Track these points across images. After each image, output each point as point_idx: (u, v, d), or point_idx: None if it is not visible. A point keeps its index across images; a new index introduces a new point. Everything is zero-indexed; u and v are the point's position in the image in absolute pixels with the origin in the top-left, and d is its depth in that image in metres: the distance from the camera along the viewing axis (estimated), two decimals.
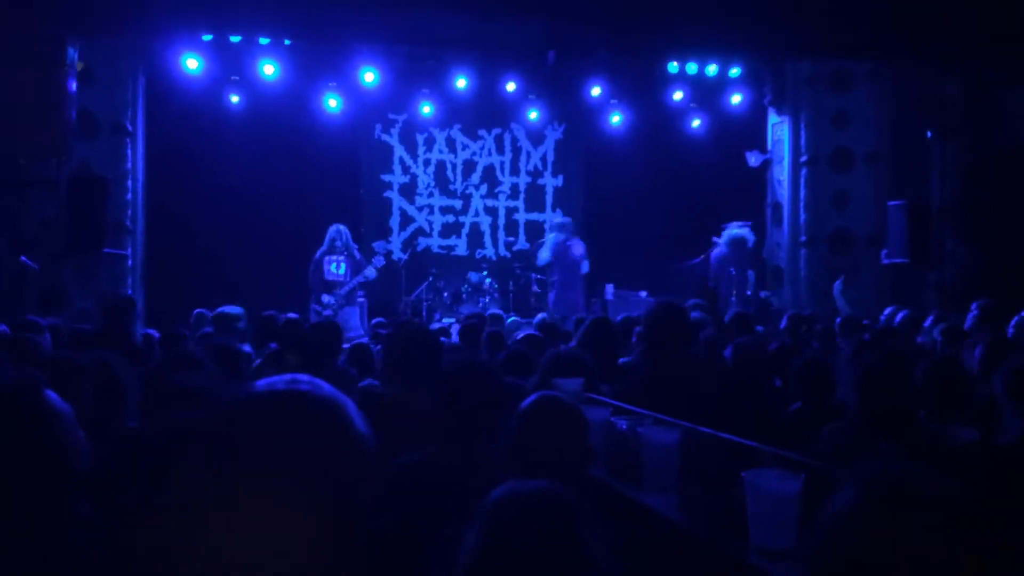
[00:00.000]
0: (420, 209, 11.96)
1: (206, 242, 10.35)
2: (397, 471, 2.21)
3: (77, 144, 8.74)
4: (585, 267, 10.01)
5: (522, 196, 12.17)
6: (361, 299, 9.47)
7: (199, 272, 9.95)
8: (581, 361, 3.27)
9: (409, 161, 11.92)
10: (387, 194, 11.89)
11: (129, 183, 9.44)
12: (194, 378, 3.10)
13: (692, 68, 10.08)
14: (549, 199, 12.23)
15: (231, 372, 3.86)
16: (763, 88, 10.62)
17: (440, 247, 11.94)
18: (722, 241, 9.63)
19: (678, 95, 10.61)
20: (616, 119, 11.18)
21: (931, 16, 8.29)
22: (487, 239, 12.07)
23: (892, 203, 9.53)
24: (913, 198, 9.42)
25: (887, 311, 6.99)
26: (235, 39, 9.36)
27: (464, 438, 2.43)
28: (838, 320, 6.34)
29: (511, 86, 10.39)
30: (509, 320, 7.91)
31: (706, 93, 10.66)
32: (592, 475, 2.38)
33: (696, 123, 11.25)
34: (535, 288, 10.69)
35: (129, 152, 9.45)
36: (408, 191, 11.94)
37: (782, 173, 10.54)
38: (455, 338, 6.37)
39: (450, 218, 12.02)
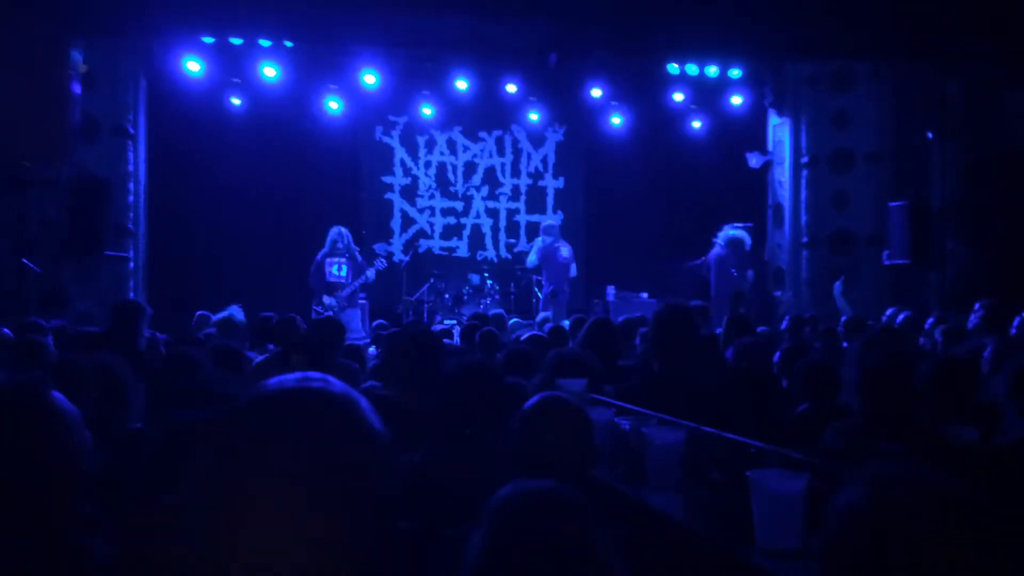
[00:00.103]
0: (421, 211, 11.96)
1: (208, 244, 10.36)
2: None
3: (78, 146, 8.76)
4: (573, 270, 10.03)
5: (523, 198, 12.17)
6: (362, 301, 9.48)
7: (201, 274, 9.96)
8: (584, 362, 3.27)
9: (410, 163, 11.92)
10: (388, 196, 11.90)
11: (131, 185, 9.46)
12: (195, 379, 3.11)
13: (692, 69, 10.08)
14: (550, 201, 12.23)
15: (231, 373, 3.86)
16: (764, 89, 10.62)
17: (441, 249, 11.94)
18: (720, 242, 9.64)
19: (679, 96, 10.61)
20: (617, 121, 11.18)
21: (931, 16, 8.30)
22: (488, 241, 12.08)
23: (893, 204, 9.53)
24: (914, 199, 9.42)
25: (888, 312, 6.99)
26: (236, 41, 9.37)
27: (466, 438, 2.43)
28: (843, 319, 6.34)
29: (512, 88, 10.39)
30: (511, 322, 7.91)
31: (707, 94, 10.66)
32: (596, 476, 2.38)
33: (697, 124, 11.25)
34: (536, 289, 10.69)
35: (131, 155, 9.46)
36: (409, 193, 11.94)
37: (783, 174, 10.54)
38: (457, 340, 6.37)
39: (451, 220, 12.02)
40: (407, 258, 11.00)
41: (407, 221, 11.94)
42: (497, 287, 10.72)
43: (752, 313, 8.14)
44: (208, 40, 9.25)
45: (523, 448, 2.11)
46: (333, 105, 10.61)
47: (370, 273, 8.97)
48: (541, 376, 3.31)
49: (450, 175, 12.02)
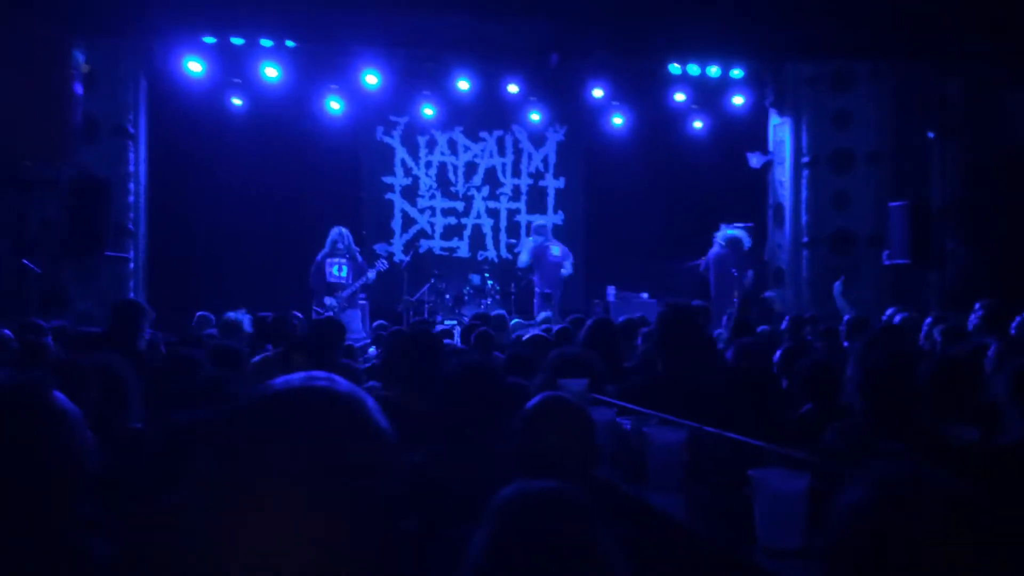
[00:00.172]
0: (422, 211, 11.96)
1: (208, 244, 10.36)
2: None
3: (79, 146, 8.75)
4: (567, 269, 10.04)
5: (524, 198, 12.17)
6: (363, 301, 9.48)
7: (201, 274, 9.96)
8: (586, 361, 3.27)
9: (411, 163, 11.93)
10: (388, 196, 11.90)
11: (131, 186, 9.46)
12: (195, 379, 3.11)
13: (694, 70, 10.08)
14: (551, 201, 12.23)
15: (231, 373, 3.86)
16: (764, 89, 10.62)
17: (442, 249, 11.94)
18: (720, 242, 9.64)
19: (679, 96, 10.61)
20: (618, 121, 11.18)
21: (931, 16, 8.30)
22: (489, 241, 12.08)
23: (893, 204, 9.53)
24: (914, 199, 9.42)
25: (888, 312, 6.98)
26: (237, 42, 9.37)
27: (467, 438, 2.43)
28: (846, 318, 6.33)
29: (513, 88, 10.39)
30: (513, 322, 7.91)
31: (707, 94, 10.66)
32: (597, 475, 2.38)
33: (698, 125, 11.25)
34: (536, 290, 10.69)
35: (131, 155, 9.46)
36: (410, 193, 11.94)
37: (783, 174, 10.54)
38: (458, 340, 6.37)
39: (452, 220, 12.03)
40: (408, 258, 11.00)
41: (408, 221, 11.94)
42: (498, 287, 10.72)
43: (755, 312, 8.15)
44: (209, 40, 9.25)
45: (525, 448, 2.11)
46: (334, 105, 10.62)
47: (371, 274, 8.98)
48: (543, 376, 3.31)
49: (451, 175, 12.03)
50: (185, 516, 0.87)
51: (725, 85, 10.48)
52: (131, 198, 9.44)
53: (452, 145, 12.01)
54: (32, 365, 3.39)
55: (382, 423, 0.88)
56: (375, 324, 8.55)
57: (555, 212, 12.13)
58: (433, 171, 11.97)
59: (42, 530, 1.50)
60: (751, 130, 10.80)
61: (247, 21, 8.92)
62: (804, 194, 10.24)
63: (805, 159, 10.22)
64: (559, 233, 11.63)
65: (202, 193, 10.32)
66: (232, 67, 9.75)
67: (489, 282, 10.72)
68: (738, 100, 10.63)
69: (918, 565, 1.08)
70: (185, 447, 1.82)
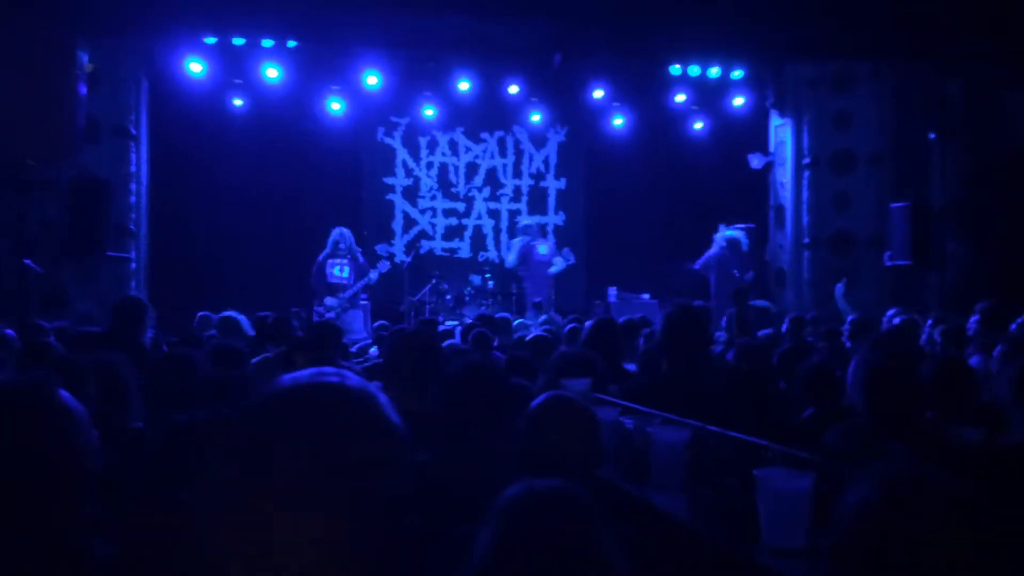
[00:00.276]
0: (423, 212, 11.97)
1: (209, 245, 10.36)
2: None
3: (81, 147, 8.75)
4: (559, 265, 10.00)
5: (524, 199, 12.17)
6: (364, 302, 9.48)
7: (202, 275, 9.96)
8: (589, 361, 3.27)
9: (412, 164, 11.93)
10: (389, 197, 11.90)
11: (133, 186, 9.46)
12: (195, 379, 3.11)
13: (694, 70, 10.08)
14: (552, 202, 12.23)
15: (232, 372, 3.85)
16: (765, 90, 10.62)
17: (443, 250, 11.95)
18: (720, 242, 9.64)
19: (680, 97, 10.62)
20: (618, 122, 11.18)
21: (931, 16, 8.30)
22: (490, 242, 12.08)
23: (894, 205, 9.52)
24: (914, 199, 9.41)
25: (889, 313, 6.97)
26: (238, 42, 9.37)
27: (469, 438, 2.43)
28: (849, 319, 6.32)
29: (513, 89, 10.39)
30: (516, 322, 7.91)
31: (708, 95, 10.66)
32: (600, 475, 2.37)
33: (698, 125, 11.25)
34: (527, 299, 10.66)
35: (133, 155, 9.46)
36: (411, 194, 11.95)
37: (784, 175, 10.54)
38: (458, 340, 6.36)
39: (453, 221, 12.03)
40: (409, 259, 11.00)
41: (408, 222, 11.94)
42: (499, 288, 10.72)
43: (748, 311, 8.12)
44: (210, 41, 9.25)
45: (529, 447, 2.11)
46: (335, 106, 10.62)
47: (373, 274, 8.98)
48: (545, 376, 3.31)
49: (452, 176, 12.03)
50: (190, 515, 0.86)
51: (726, 86, 10.48)
52: (132, 198, 9.44)
53: (453, 146, 12.01)
54: (36, 365, 3.38)
55: (394, 419, 0.87)
56: (376, 324, 8.54)
57: (556, 213, 12.13)
58: (434, 172, 11.97)
59: (43, 529, 1.50)
60: (752, 131, 10.80)
61: (248, 21, 8.93)
62: (805, 195, 10.24)
63: (806, 160, 10.22)
64: (560, 234, 11.64)
65: (203, 193, 10.32)
66: (233, 68, 9.76)
67: (490, 283, 10.72)
68: (739, 101, 10.64)
69: (921, 565, 1.07)
70: (185, 447, 1.82)
